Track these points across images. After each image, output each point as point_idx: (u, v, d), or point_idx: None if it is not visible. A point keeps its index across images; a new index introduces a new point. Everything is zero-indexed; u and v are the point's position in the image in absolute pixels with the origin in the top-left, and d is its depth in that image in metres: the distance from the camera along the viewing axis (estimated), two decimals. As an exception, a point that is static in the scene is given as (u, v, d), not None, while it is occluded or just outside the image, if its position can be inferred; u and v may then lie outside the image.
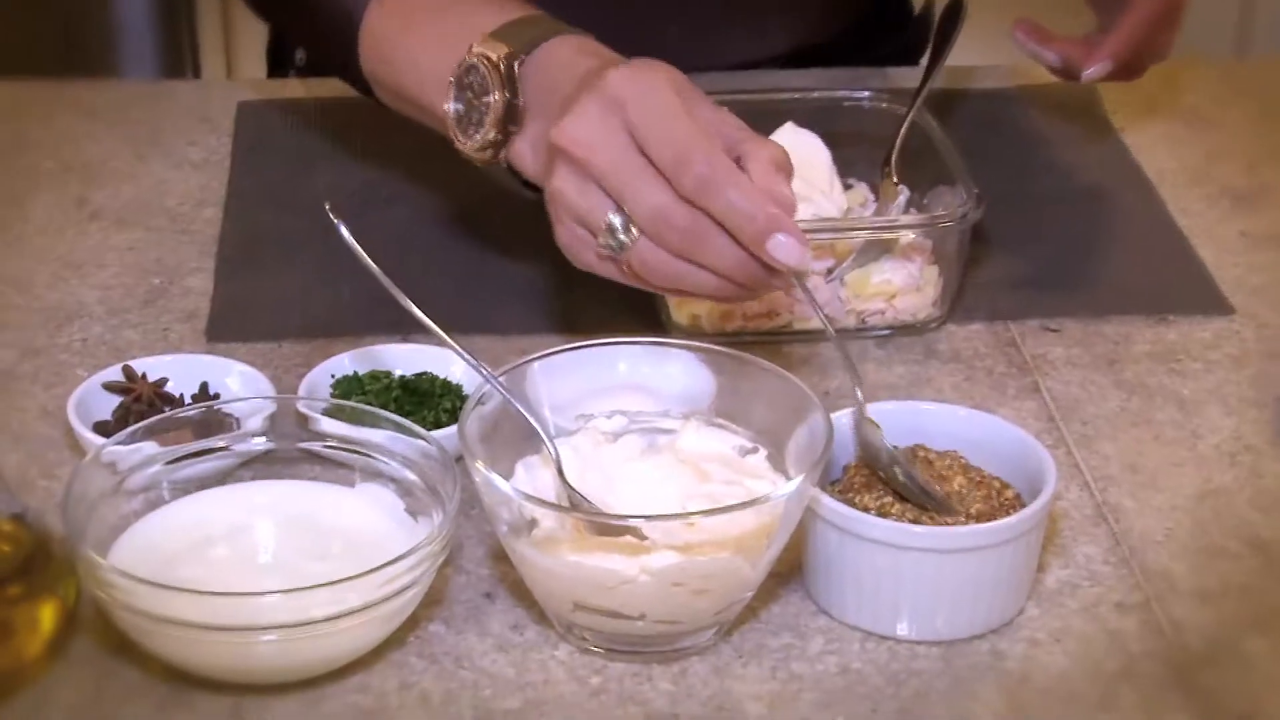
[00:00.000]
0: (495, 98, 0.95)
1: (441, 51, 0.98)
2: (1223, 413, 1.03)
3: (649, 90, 0.89)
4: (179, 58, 2.22)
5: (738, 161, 0.89)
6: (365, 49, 1.05)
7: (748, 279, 0.89)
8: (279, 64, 1.44)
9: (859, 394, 0.92)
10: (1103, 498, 0.97)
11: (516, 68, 0.95)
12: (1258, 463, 1.00)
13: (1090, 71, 1.16)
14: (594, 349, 0.93)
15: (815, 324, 1.09)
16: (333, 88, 1.31)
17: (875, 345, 1.09)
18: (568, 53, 0.95)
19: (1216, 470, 0.99)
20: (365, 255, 0.90)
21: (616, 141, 0.88)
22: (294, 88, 1.34)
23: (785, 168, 0.90)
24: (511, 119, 0.96)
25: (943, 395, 1.05)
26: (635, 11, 1.23)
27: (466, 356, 0.90)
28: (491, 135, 0.96)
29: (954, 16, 1.21)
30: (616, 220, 0.90)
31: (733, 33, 1.32)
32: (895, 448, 0.90)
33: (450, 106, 0.98)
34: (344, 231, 0.90)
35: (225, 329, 1.08)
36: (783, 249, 0.87)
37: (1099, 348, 1.09)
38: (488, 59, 0.95)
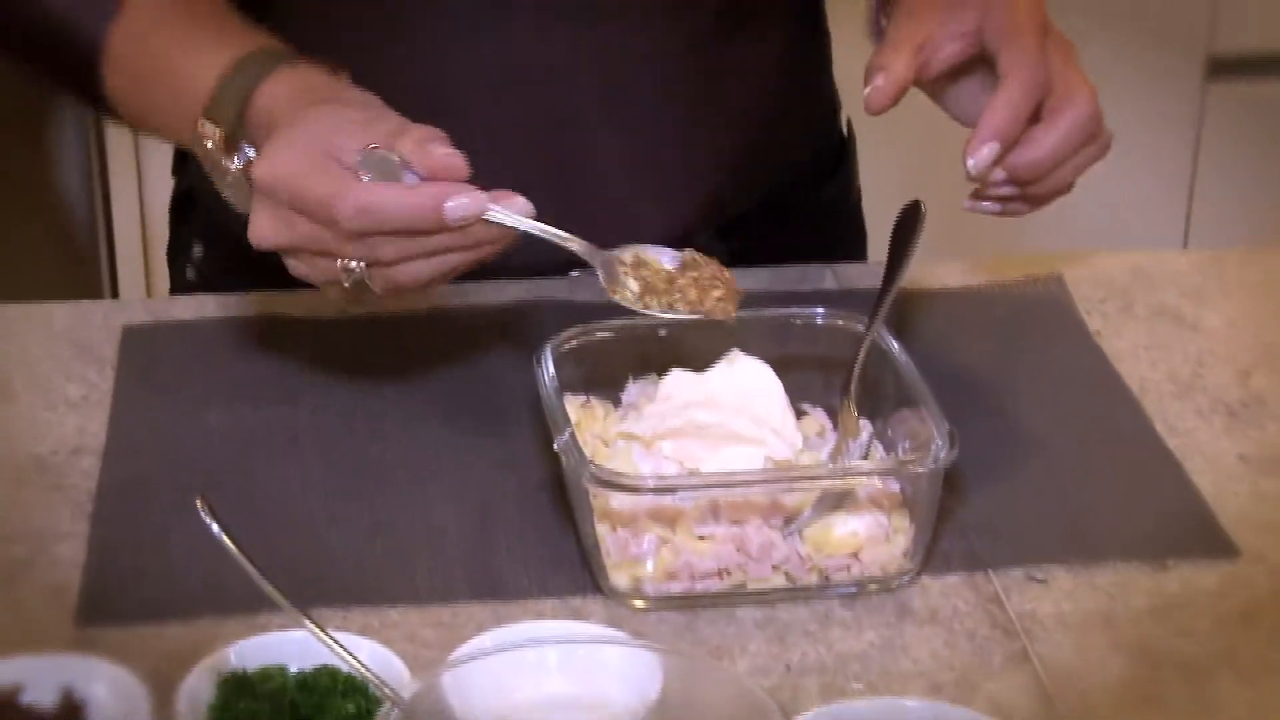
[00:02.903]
0: (234, 165, 1.02)
1: (177, 115, 1.05)
2: (1238, 683, 0.91)
3: (279, 167, 0.96)
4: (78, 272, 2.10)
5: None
6: (115, 102, 1.11)
7: (473, 242, 0.96)
8: (178, 278, 1.32)
9: None
10: (1111, 800, 0.84)
11: (238, 137, 1.02)
12: (1284, 748, 0.87)
13: (974, 161, 1.03)
14: (518, 652, 0.80)
15: (771, 584, 0.96)
16: (228, 305, 1.19)
17: (841, 605, 0.96)
18: (264, 109, 1.01)
19: (1238, 763, 0.87)
20: (246, 559, 0.77)
21: (293, 222, 0.96)
22: (184, 307, 1.21)
23: (435, 137, 0.96)
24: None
25: (920, 665, 0.92)
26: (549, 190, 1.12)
27: (369, 674, 0.77)
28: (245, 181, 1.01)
29: (911, 223, 1.09)
30: (347, 271, 0.96)
31: (646, 207, 1.21)
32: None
33: (206, 167, 1.03)
34: (215, 529, 0.77)
35: (98, 610, 0.94)
36: (461, 210, 0.94)
37: (1092, 601, 0.97)
38: (213, 143, 1.02)
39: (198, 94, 1.03)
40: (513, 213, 0.95)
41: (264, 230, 0.98)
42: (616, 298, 0.98)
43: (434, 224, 0.94)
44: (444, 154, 0.95)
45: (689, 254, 0.98)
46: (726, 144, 1.22)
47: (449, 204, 0.94)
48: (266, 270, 1.03)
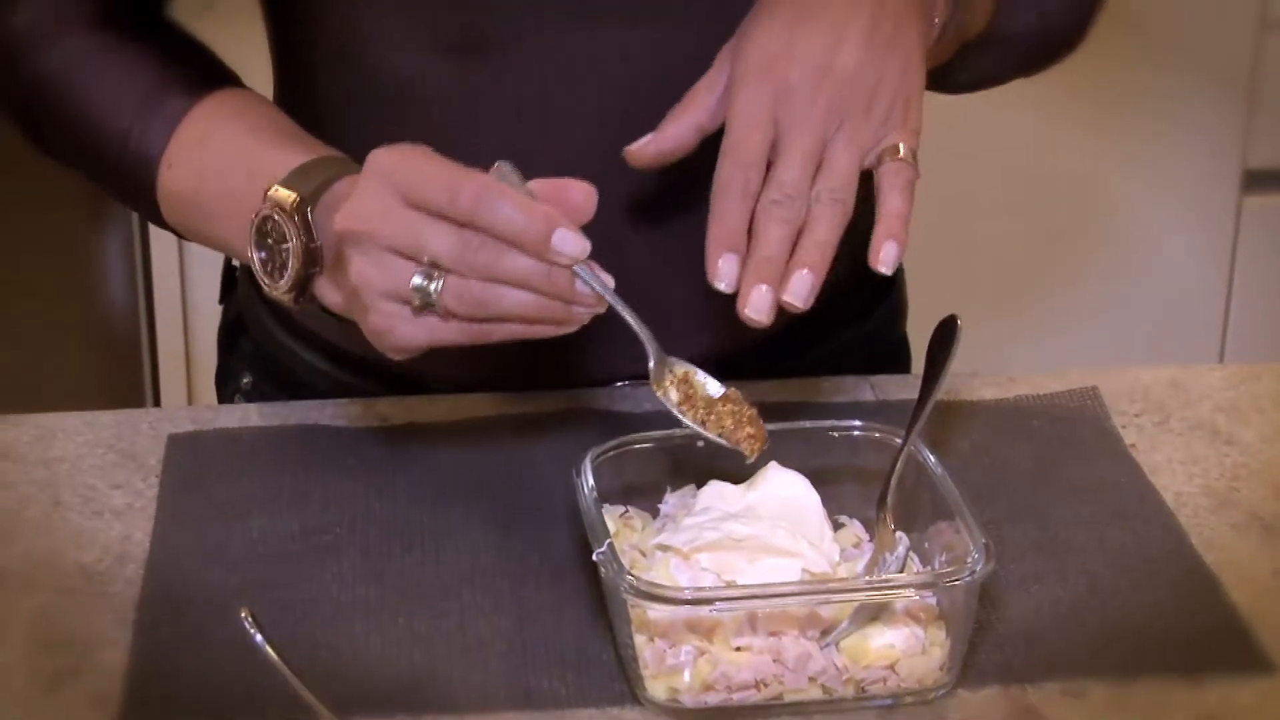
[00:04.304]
0: (294, 242, 1.02)
1: (236, 207, 1.07)
2: (1276, 799, 0.91)
3: (408, 155, 0.97)
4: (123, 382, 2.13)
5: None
6: (166, 209, 1.14)
7: (553, 288, 0.95)
8: (225, 390, 1.34)
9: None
10: None
11: (310, 213, 1.03)
12: None
13: (723, 284, 1.00)
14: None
15: (808, 696, 0.97)
16: (271, 414, 1.21)
17: (877, 717, 0.97)
18: (342, 193, 1.01)
19: None
20: (288, 670, 0.78)
21: (395, 207, 0.96)
22: (228, 416, 1.22)
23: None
24: (312, 260, 1.03)
25: (956, 780, 0.92)
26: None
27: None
28: (296, 276, 1.03)
29: (947, 338, 1.10)
30: (420, 278, 0.96)
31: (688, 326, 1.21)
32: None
33: (254, 255, 1.05)
34: (259, 640, 0.78)
35: (141, 718, 0.95)
36: (566, 244, 0.94)
37: (1128, 717, 0.97)
38: (281, 208, 1.03)
39: (274, 173, 1.04)
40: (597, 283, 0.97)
41: (358, 210, 0.96)
42: (659, 394, 1.02)
43: (538, 242, 0.94)
44: (579, 184, 0.96)
45: (733, 390, 1.03)
46: None
47: (558, 232, 0.94)
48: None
